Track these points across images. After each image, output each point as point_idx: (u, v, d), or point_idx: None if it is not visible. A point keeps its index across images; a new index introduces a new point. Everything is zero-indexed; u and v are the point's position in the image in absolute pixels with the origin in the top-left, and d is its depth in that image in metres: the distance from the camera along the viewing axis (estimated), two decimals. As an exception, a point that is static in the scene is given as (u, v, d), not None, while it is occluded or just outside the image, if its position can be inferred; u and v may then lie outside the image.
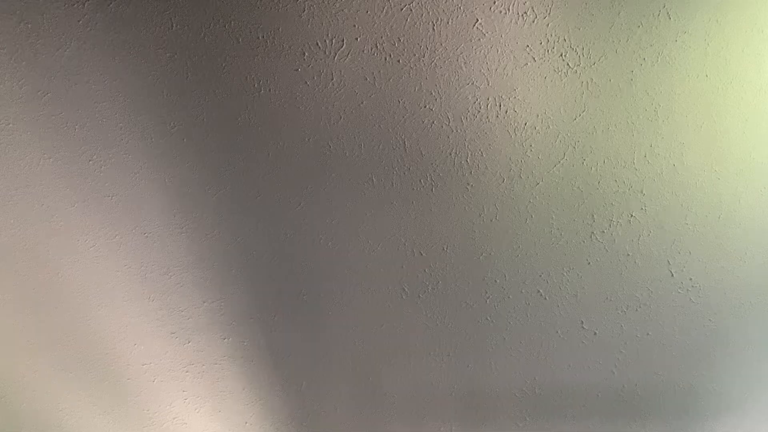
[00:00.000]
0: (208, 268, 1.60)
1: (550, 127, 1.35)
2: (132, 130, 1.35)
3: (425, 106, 1.32)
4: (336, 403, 1.99)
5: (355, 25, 1.20)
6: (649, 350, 1.80)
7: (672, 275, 1.63)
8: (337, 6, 1.18)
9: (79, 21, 1.18)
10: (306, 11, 1.18)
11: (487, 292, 1.65)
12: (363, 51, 1.23)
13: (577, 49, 1.24)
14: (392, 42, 1.22)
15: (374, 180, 1.44)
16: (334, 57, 1.24)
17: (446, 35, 1.22)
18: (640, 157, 1.40)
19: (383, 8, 1.18)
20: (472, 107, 1.32)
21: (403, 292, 1.66)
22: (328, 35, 1.21)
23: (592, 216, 1.50)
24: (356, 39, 1.22)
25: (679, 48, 1.24)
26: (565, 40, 1.23)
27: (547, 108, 1.32)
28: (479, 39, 1.22)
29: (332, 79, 1.28)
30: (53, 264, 1.59)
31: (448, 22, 1.20)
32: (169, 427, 2.03)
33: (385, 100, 1.31)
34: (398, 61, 1.25)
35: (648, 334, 1.76)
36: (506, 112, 1.33)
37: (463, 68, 1.26)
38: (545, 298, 1.67)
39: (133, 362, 1.83)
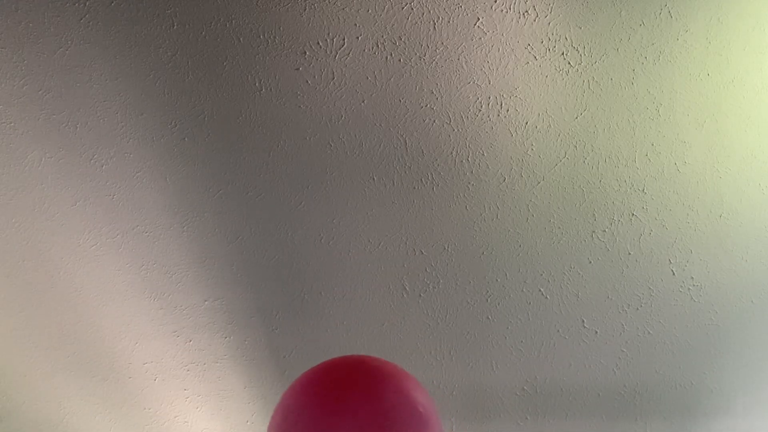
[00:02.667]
0: (209, 266, 1.60)
1: (552, 125, 1.35)
2: (133, 129, 1.35)
3: (426, 105, 1.32)
4: (337, 401, 1.98)
5: (356, 24, 1.20)
6: (651, 349, 1.80)
7: (673, 274, 1.62)
8: (338, 5, 1.17)
9: (80, 20, 1.18)
10: (307, 10, 1.18)
11: (488, 291, 1.65)
12: (364, 50, 1.23)
13: (579, 48, 1.24)
14: (393, 41, 1.22)
15: (375, 179, 1.44)
16: (335, 56, 1.24)
17: (447, 34, 1.21)
18: (641, 155, 1.40)
19: (384, 7, 1.18)
20: (473, 106, 1.32)
21: (404, 290, 1.66)
22: (329, 34, 1.21)
23: (594, 215, 1.50)
24: (357, 38, 1.22)
25: (680, 47, 1.24)
26: (566, 38, 1.22)
27: (549, 107, 1.32)
28: (480, 38, 1.22)
29: (333, 78, 1.28)
30: (54, 263, 1.59)
31: (449, 21, 1.20)
32: (171, 426, 2.03)
33: (386, 99, 1.31)
34: (399, 60, 1.25)
35: (649, 332, 1.76)
36: (507, 111, 1.33)
37: (464, 67, 1.26)
38: (546, 297, 1.67)
39: (135, 361, 1.83)
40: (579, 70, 1.27)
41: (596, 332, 1.76)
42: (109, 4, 1.16)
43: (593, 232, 1.54)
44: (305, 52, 1.23)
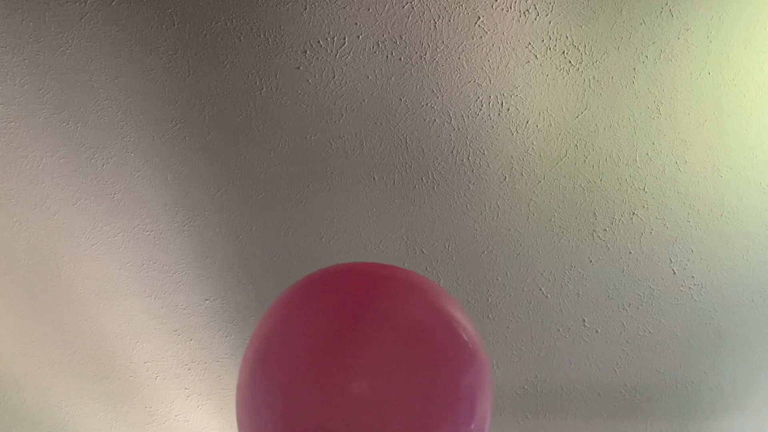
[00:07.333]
0: (209, 265, 1.60)
1: (552, 124, 1.35)
2: (133, 128, 1.35)
3: (427, 104, 1.32)
4: (338, 400, 1.99)
5: (356, 23, 1.20)
6: (651, 348, 1.79)
7: (674, 273, 1.62)
8: (339, 4, 1.17)
9: (80, 19, 1.18)
10: (307, 9, 1.18)
11: (488, 290, 1.65)
12: (365, 49, 1.23)
13: (579, 47, 1.24)
14: (394, 40, 1.22)
15: (376, 178, 1.44)
16: (336, 55, 1.24)
17: (448, 33, 1.21)
18: (642, 154, 1.40)
19: (385, 6, 1.18)
20: (473, 105, 1.32)
21: (405, 290, 1.65)
22: (329, 33, 1.21)
23: (594, 214, 1.50)
24: (358, 37, 1.22)
25: (681, 45, 1.24)
26: (567, 37, 1.22)
27: (549, 106, 1.32)
28: (481, 37, 1.22)
29: (334, 77, 1.27)
30: (55, 262, 1.59)
31: (449, 20, 1.20)
32: (172, 425, 2.03)
33: (387, 98, 1.31)
34: (400, 59, 1.25)
35: (650, 332, 1.75)
36: (508, 109, 1.32)
37: (465, 66, 1.26)
38: (547, 296, 1.67)
39: (136, 360, 1.83)
40: (580, 69, 1.27)
41: (597, 331, 1.76)
42: (110, 3, 1.16)
43: (594, 231, 1.53)
44: (306, 51, 1.23)
